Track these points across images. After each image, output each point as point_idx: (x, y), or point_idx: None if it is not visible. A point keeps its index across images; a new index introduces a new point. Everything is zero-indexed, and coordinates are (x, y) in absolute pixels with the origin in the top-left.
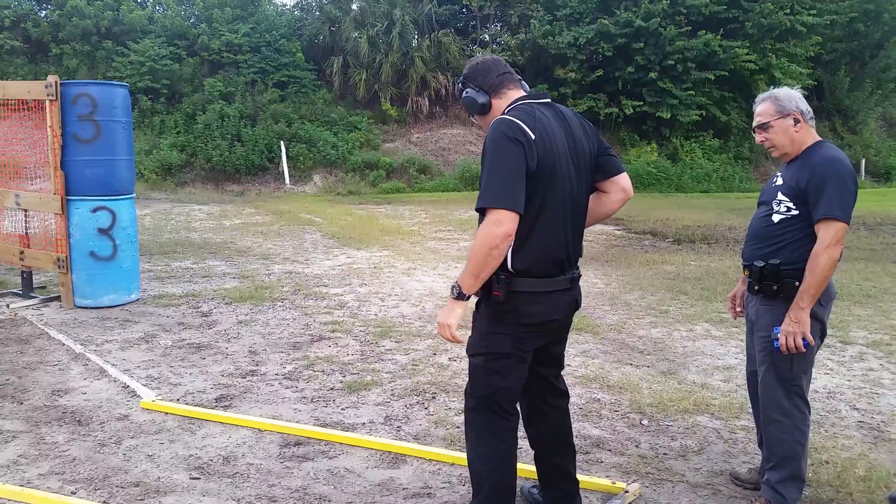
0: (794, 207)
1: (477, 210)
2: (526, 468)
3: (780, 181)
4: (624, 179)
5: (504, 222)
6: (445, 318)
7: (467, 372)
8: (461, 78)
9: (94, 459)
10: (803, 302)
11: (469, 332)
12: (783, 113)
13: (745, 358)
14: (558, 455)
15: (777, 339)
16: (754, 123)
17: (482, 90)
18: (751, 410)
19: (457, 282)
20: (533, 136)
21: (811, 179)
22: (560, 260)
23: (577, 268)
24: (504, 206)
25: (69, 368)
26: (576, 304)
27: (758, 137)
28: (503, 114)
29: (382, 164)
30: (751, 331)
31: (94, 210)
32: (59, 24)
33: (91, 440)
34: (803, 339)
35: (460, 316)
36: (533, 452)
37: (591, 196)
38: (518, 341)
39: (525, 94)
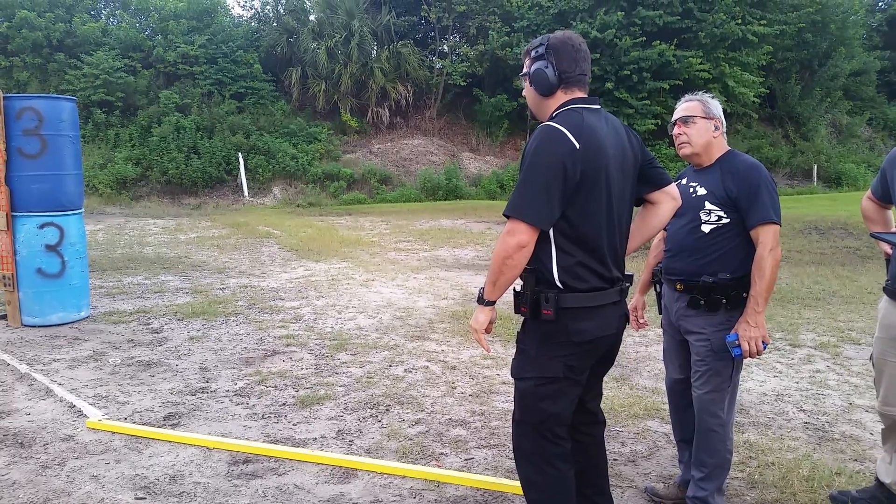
0: (724, 216)
1: (504, 215)
2: None
3: (702, 191)
4: (674, 189)
5: (517, 233)
6: (472, 323)
7: (513, 396)
8: (545, 42)
9: (36, 483)
10: (759, 306)
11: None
12: (709, 115)
13: None
14: (593, 489)
15: (737, 347)
16: (675, 117)
17: (559, 74)
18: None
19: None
20: (577, 146)
21: (741, 187)
22: (608, 272)
23: (625, 281)
24: (522, 217)
25: (13, 389)
26: (626, 319)
27: (676, 130)
28: (551, 117)
29: (343, 175)
30: (676, 341)
31: (41, 226)
32: (7, 36)
33: (33, 462)
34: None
35: (484, 322)
36: None
37: (639, 211)
38: (569, 363)
39: (584, 96)
